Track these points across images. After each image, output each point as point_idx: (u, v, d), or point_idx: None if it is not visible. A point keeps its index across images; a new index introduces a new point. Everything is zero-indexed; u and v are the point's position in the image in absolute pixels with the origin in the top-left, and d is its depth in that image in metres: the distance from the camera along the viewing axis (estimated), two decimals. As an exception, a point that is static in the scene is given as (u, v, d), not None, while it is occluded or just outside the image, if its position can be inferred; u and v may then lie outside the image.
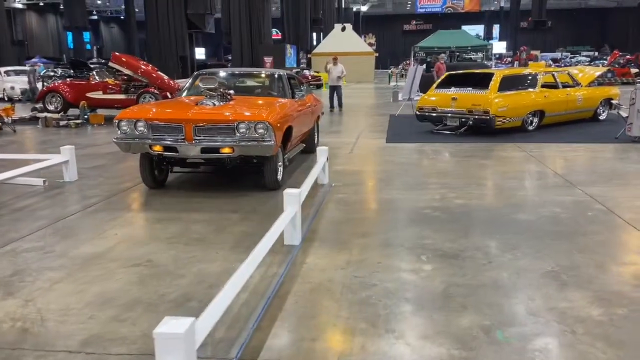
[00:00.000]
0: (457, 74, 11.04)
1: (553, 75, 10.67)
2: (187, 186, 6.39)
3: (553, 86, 10.45)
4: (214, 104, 5.90)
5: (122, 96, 13.38)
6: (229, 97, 6.18)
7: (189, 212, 5.16)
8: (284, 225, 3.67)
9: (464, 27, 52.18)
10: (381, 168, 7.40)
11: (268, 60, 26.83)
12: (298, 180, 5.91)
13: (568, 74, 11.22)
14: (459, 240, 4.30)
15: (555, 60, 37.22)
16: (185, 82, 7.95)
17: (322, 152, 6.18)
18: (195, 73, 7.58)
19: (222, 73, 7.59)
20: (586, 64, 34.59)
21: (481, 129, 9.52)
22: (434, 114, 10.13)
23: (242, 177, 6.62)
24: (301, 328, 2.88)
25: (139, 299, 3.24)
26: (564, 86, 10.64)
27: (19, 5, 49.76)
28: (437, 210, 5.22)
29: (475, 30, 57.48)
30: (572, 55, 45.58)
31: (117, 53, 14.40)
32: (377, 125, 12.02)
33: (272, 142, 5.46)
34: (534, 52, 36.88)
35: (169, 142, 5.51)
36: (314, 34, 45.89)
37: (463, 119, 9.64)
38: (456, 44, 29.41)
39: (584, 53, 47.25)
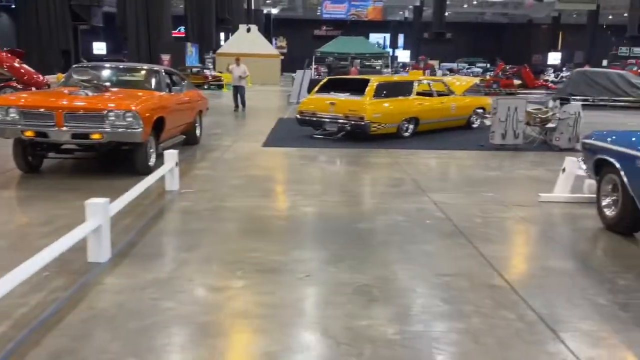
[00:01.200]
0: (337, 78, 11.01)
1: (428, 83, 10.96)
2: (37, 180, 5.67)
3: (429, 94, 10.72)
4: (87, 94, 6.31)
5: (-22, 90, 11.97)
6: (103, 88, 6.64)
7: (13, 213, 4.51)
8: (69, 243, 3.19)
9: (372, 35, 53.54)
10: (244, 174, 7.07)
11: (165, 58, 25.63)
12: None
13: (443, 82, 11.59)
14: (289, 252, 4.07)
15: (451, 70, 39.18)
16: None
17: (170, 156, 5.73)
18: (73, 66, 7.82)
19: (102, 67, 8.05)
20: (479, 74, 36.74)
21: (358, 134, 9.52)
22: (314, 119, 9.99)
23: (115, 163, 6.75)
24: (51, 367, 2.45)
25: None
26: (440, 94, 10.96)
27: None
28: (282, 220, 4.99)
29: (382, 38, 59.28)
30: (468, 66, 48.27)
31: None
32: (262, 128, 11.69)
33: (140, 130, 5.95)
34: (431, 62, 38.51)
35: (39, 128, 5.87)
36: (222, 34, 44.75)
37: (341, 125, 9.59)
38: (356, 50, 29.95)
39: (478, 64, 50.23)
